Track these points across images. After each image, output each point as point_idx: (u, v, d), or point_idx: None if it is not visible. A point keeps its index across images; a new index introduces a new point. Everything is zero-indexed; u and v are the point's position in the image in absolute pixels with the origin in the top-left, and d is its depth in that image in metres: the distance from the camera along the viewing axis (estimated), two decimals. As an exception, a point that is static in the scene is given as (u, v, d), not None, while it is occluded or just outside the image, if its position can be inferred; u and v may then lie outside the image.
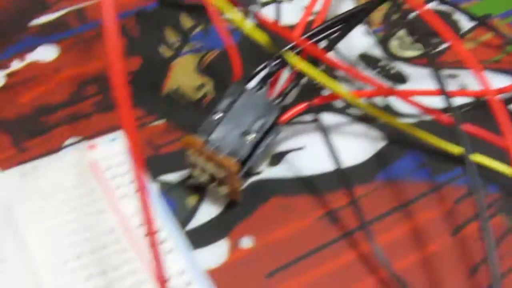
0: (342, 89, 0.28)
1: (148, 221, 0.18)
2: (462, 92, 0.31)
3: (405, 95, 0.29)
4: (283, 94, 0.28)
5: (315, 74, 0.26)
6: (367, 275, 0.26)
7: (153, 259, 0.18)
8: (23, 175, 0.26)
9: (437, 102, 0.29)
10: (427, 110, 0.29)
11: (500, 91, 0.30)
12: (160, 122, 0.30)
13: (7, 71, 0.32)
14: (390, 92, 0.29)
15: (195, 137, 0.26)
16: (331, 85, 0.27)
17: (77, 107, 0.31)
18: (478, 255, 0.27)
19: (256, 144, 0.27)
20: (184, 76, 0.32)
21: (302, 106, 0.28)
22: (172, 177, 0.28)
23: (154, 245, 0.18)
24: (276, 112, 0.27)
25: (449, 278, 0.26)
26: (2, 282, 0.24)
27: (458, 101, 0.31)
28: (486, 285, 0.26)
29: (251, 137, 0.27)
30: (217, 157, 0.26)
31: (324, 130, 0.27)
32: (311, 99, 0.28)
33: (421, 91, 0.30)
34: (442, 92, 0.26)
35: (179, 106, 0.31)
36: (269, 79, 0.28)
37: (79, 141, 0.29)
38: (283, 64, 0.28)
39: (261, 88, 0.27)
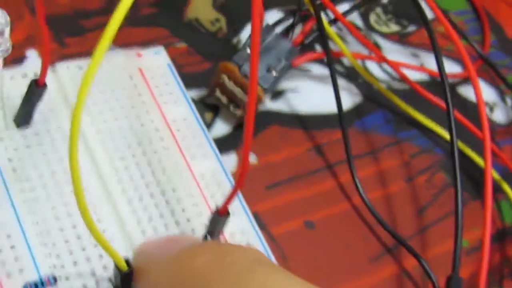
0: (346, 48, 0.34)
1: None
2: (451, 75, 0.38)
3: (395, 65, 0.36)
4: (302, 43, 0.33)
5: (332, 33, 0.33)
6: (344, 199, 0.33)
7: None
8: (80, 68, 0.30)
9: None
10: (408, 80, 0.36)
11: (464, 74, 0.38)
12: (182, 45, 0.35)
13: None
14: (384, 59, 0.36)
15: (231, 64, 0.32)
16: (340, 44, 0.33)
17: (109, 17, 0.35)
18: (424, 200, 0.34)
19: (276, 80, 0.33)
20: (202, 8, 0.37)
21: (314, 54, 0.34)
22: (192, 93, 0.33)
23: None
24: (295, 56, 0.33)
25: (403, 213, 0.33)
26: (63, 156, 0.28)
27: (417, 76, 0.38)
28: (427, 223, 0.33)
29: (274, 74, 0.32)
30: (248, 83, 0.31)
31: (335, 79, 0.33)
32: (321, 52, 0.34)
33: (408, 64, 0.37)
34: (440, 73, 0.32)
35: (199, 34, 0.36)
36: (293, 27, 0.33)
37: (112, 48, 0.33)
38: (308, 17, 0.33)
39: (287, 33, 0.33)
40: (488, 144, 0.31)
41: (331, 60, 0.33)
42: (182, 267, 0.21)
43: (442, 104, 0.35)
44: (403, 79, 0.36)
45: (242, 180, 0.24)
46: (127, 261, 0.23)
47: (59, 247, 0.26)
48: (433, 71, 0.38)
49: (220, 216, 0.26)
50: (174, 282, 0.21)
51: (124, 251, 0.26)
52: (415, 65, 0.37)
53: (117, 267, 0.23)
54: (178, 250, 0.22)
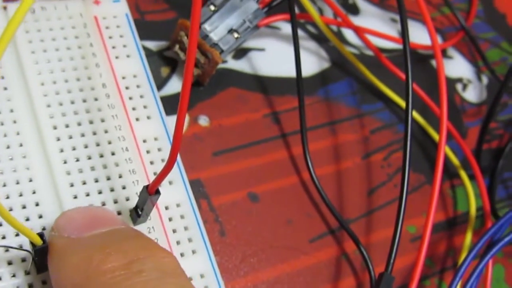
0: (315, 12, 0.33)
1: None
2: (414, 45, 0.36)
3: (360, 31, 0.34)
4: (270, 5, 0.32)
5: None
6: (293, 173, 0.32)
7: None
8: (31, 12, 0.28)
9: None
10: (373, 47, 0.34)
11: (443, 46, 0.37)
12: (148, -10, 0.33)
13: None
14: (350, 25, 0.34)
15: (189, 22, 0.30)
16: (308, 6, 0.32)
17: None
18: (377, 180, 0.33)
19: (236, 42, 0.31)
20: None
21: (282, 16, 0.32)
22: (151, 44, 0.32)
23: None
24: (261, 19, 0.31)
25: (353, 192, 0.33)
26: (5, 104, 0.27)
27: (390, 44, 0.37)
28: (377, 205, 0.33)
29: (236, 36, 0.31)
30: (206, 45, 0.30)
31: (297, 45, 0.31)
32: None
33: (375, 31, 0.35)
34: (403, 41, 0.31)
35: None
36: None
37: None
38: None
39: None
40: (445, 123, 0.29)
41: (294, 23, 0.31)
42: (90, 269, 0.21)
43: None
44: (368, 46, 0.35)
45: (172, 163, 0.23)
46: (41, 236, 0.23)
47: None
48: (420, 44, 0.37)
49: (149, 194, 0.25)
50: (79, 281, 0.20)
51: (54, 215, 0.25)
52: (383, 32, 0.35)
53: (31, 242, 0.23)
54: (92, 245, 0.22)
